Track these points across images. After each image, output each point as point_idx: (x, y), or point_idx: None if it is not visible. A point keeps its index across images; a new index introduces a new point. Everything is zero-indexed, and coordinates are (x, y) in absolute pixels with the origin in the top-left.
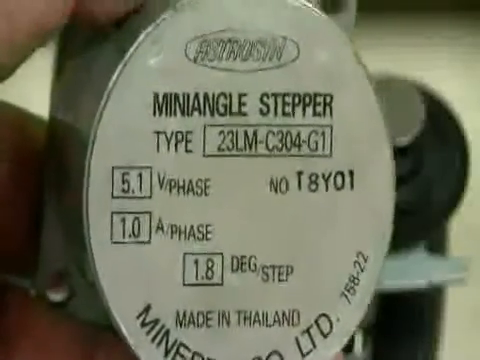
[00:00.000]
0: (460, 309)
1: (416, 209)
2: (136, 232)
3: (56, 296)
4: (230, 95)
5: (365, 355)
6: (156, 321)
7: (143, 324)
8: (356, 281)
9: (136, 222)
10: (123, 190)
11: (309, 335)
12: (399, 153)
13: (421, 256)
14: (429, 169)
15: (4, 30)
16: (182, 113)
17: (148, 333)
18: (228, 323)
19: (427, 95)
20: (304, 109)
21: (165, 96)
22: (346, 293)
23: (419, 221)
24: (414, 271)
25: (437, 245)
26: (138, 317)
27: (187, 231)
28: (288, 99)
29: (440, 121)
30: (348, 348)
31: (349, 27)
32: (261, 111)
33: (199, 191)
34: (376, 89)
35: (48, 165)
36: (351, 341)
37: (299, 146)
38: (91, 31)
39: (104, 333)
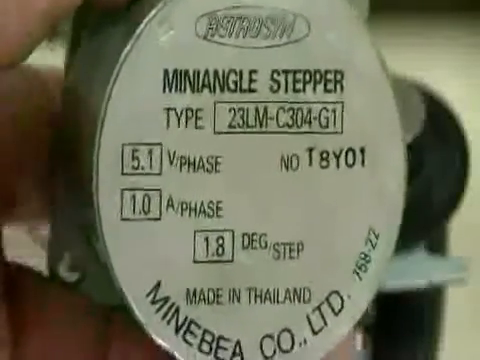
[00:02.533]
0: (460, 309)
1: (416, 209)
2: (146, 209)
3: (69, 276)
4: (240, 72)
5: (365, 355)
6: (166, 299)
7: (153, 302)
8: (368, 258)
9: (146, 199)
10: (133, 167)
11: (320, 312)
12: None
13: (421, 256)
14: (429, 169)
15: (17, 12)
16: (192, 90)
17: (158, 310)
18: (239, 300)
19: (427, 95)
20: (315, 86)
21: (175, 73)
22: (358, 270)
23: (419, 221)
24: (414, 271)
25: (437, 245)
26: (148, 295)
27: (197, 208)
28: (299, 76)
29: (440, 121)
30: None
31: (363, 6)
32: (271, 88)
33: (209, 168)
34: (387, 66)
35: (60, 140)
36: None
37: (310, 123)
38: (103, 12)
39: (117, 315)
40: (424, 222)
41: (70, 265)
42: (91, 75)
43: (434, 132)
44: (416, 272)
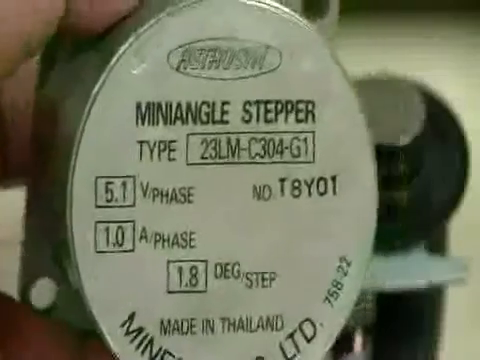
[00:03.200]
0: (460, 309)
1: (416, 209)
2: (120, 241)
3: (40, 303)
4: (213, 103)
5: (365, 355)
6: (140, 329)
7: (127, 332)
8: (339, 286)
9: (120, 231)
10: (107, 199)
11: (293, 340)
12: (399, 153)
13: (421, 256)
14: (429, 169)
15: None
16: (165, 122)
17: (132, 341)
18: (212, 330)
19: (427, 95)
20: (286, 116)
21: (148, 105)
22: (329, 298)
23: (419, 221)
24: (414, 271)
25: (437, 245)
26: (122, 325)
27: (171, 239)
28: (270, 106)
29: (440, 121)
30: (348, 348)
31: (332, 31)
32: (243, 119)
33: (182, 199)
34: (359, 93)
35: (33, 168)
36: (351, 341)
37: (281, 153)
38: (75, 42)
39: (91, 338)
40: (424, 222)
41: (41, 291)
42: (63, 107)
43: (434, 132)
44: (416, 272)
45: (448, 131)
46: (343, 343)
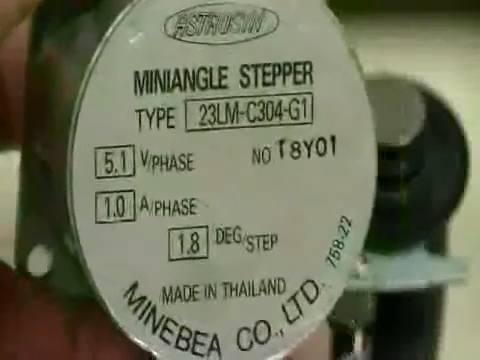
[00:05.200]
0: (460, 309)
1: (416, 209)
2: (121, 211)
3: (38, 270)
4: (210, 69)
5: (365, 355)
6: (143, 298)
7: (130, 302)
8: (341, 245)
9: (120, 201)
10: (106, 170)
11: (295, 302)
12: (399, 153)
13: (421, 256)
14: (429, 169)
15: None
16: (163, 89)
17: (135, 311)
18: (214, 295)
19: (427, 95)
20: (284, 78)
21: (145, 74)
22: (331, 258)
23: (419, 221)
24: (414, 271)
25: (437, 245)
26: (125, 296)
27: (171, 206)
28: (268, 69)
29: (440, 121)
30: (348, 348)
31: None
32: (242, 83)
33: (182, 166)
34: (356, 55)
35: (29, 133)
36: (351, 341)
37: (280, 115)
38: (68, 6)
39: (89, 310)
40: (424, 222)
41: (39, 258)
42: (60, 67)
43: (434, 132)
44: (416, 272)
45: (448, 131)
46: (343, 343)
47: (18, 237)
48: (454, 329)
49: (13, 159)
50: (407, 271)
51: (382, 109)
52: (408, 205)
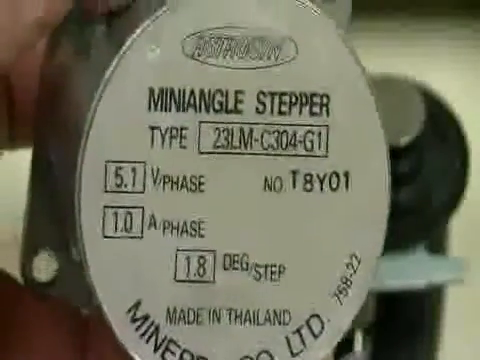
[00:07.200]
0: (460, 309)
1: (416, 209)
2: (128, 227)
3: (41, 276)
4: (226, 92)
5: (365, 355)
6: (146, 317)
7: (133, 319)
8: (348, 283)
9: (128, 217)
10: (116, 184)
11: (300, 335)
12: (399, 153)
13: (421, 256)
14: (429, 169)
15: (7, 24)
16: (177, 109)
17: (138, 329)
18: (218, 321)
19: (427, 95)
20: (301, 109)
21: (161, 91)
22: (338, 294)
23: (419, 221)
24: (414, 271)
25: (437, 245)
26: (128, 312)
27: (180, 227)
28: (285, 98)
29: (440, 121)
30: (348, 348)
31: (346, 16)
32: (257, 109)
33: (193, 187)
34: (375, 90)
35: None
36: (351, 341)
37: (295, 146)
38: (85, 21)
39: (94, 319)
40: (424, 222)
41: (44, 263)
42: (75, 89)
43: (434, 132)
44: (416, 272)
45: (448, 131)
46: (343, 343)
47: (23, 241)
48: (454, 329)
49: (20, 162)
50: (407, 271)
51: (382, 109)
52: (408, 205)
